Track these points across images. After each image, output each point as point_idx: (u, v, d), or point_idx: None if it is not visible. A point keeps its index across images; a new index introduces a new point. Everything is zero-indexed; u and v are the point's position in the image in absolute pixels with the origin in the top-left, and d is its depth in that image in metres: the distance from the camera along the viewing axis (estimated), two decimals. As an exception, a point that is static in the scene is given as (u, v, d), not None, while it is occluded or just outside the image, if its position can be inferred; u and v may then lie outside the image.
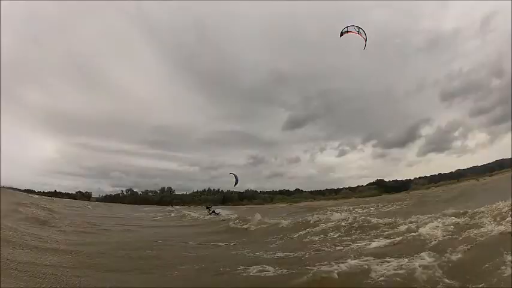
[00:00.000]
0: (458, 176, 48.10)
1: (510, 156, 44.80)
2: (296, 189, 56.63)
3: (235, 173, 24.75)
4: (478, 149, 55.13)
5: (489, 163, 47.23)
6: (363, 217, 8.11)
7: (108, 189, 72.57)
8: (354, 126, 75.74)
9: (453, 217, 5.86)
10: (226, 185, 60.60)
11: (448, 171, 50.88)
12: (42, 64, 74.50)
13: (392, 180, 54.90)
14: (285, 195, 53.65)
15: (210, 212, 21.18)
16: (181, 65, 78.22)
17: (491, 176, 43.81)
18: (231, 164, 63.54)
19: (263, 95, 79.36)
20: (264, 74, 75.17)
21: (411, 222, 6.36)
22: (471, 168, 48.38)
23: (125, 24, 72.24)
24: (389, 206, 19.03)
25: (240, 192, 56.85)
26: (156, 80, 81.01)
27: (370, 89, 75.03)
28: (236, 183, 23.50)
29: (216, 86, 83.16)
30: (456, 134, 63.99)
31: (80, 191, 58.44)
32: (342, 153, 67.24)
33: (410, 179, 52.90)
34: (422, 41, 63.51)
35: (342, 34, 12.14)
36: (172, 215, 23.89)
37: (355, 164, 71.37)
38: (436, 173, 51.86)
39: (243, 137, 75.67)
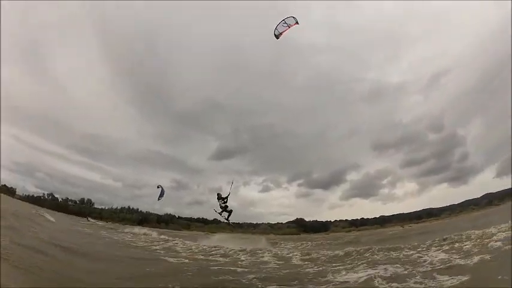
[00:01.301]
0: (382, 221, 50.68)
1: (439, 206, 50.52)
2: (214, 219, 53.16)
3: (162, 186, 21.44)
4: (406, 198, 57.93)
5: (417, 211, 51.25)
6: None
7: (32, 189, 60.11)
8: (281, 163, 75.61)
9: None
10: (146, 205, 56.74)
11: (371, 216, 53.39)
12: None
13: (313, 220, 56.05)
14: (202, 223, 51.48)
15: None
16: (124, 72, 72.80)
17: (417, 223, 47.24)
18: (155, 184, 57.19)
19: (196, 121, 76.81)
20: (200, 100, 72.38)
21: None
22: (397, 215, 51.39)
23: (80, 14, 64.23)
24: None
25: (159, 215, 54.83)
26: (96, 83, 74.27)
27: (303, 129, 76.45)
28: (161, 196, 21.49)
29: (152, 103, 78.10)
30: (384, 182, 65.62)
31: (5, 185, 53.16)
32: (265, 189, 66.22)
33: (330, 221, 54.36)
34: (366, 90, 67.53)
35: (277, 37, 11.41)
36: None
37: (278, 201, 71.29)
38: (359, 217, 54.16)
39: (170, 160, 71.02)
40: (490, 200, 46.79)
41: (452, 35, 61.63)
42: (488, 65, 53.29)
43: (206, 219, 53.61)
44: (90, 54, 74.92)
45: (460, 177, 55.29)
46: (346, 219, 53.15)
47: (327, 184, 67.25)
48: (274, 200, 69.76)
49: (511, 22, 34.99)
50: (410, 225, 46.22)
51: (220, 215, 15.41)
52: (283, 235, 47.34)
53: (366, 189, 62.19)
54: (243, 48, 67.71)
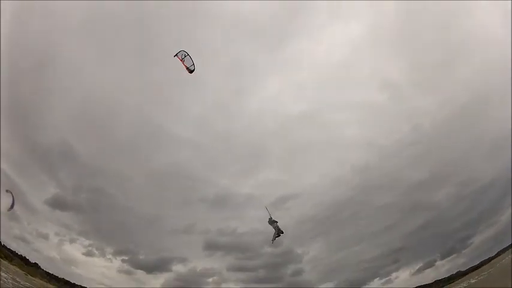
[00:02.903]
0: None
1: None
2: (35, 263, 51.84)
3: (12, 192, 21.02)
4: None
5: None
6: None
7: None
8: (111, 234, 66.72)
9: None
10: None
11: None
12: None
13: None
14: (23, 262, 47.92)
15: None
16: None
17: None
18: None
19: (44, 162, 63.65)
20: (57, 140, 62.58)
21: None
22: None
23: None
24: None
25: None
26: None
27: (143, 210, 66.86)
28: (12, 206, 20.47)
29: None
30: (209, 280, 64.37)
31: None
32: (89, 254, 64.62)
33: None
34: (212, 194, 65.48)
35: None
36: None
37: (99, 270, 65.39)
38: None
39: (11, 185, 48.56)
40: None
41: (308, 167, 63.25)
42: (338, 199, 59.14)
43: (28, 260, 50.57)
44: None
45: None
46: None
47: (151, 268, 64.81)
48: (96, 268, 65.91)
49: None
50: None
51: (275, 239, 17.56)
52: None
53: (190, 283, 62.62)
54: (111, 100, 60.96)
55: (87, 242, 65.82)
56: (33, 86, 57.57)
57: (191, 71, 18.71)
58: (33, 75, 56.63)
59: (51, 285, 46.45)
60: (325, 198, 60.73)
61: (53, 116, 60.87)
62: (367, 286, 55.01)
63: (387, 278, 54.59)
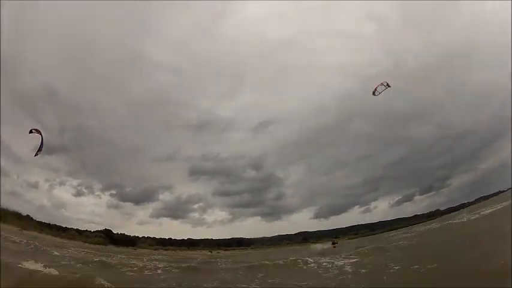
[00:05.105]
0: (189, 244, 56.03)
1: (250, 237, 55.96)
2: (27, 215, 53.96)
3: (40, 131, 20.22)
4: (215, 225, 59.88)
5: (226, 239, 56.52)
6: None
7: None
8: (98, 170, 68.09)
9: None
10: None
11: (179, 238, 57.50)
12: None
13: (121, 234, 59.00)
14: (16, 217, 49.37)
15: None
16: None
17: (225, 250, 54.01)
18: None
19: (27, 109, 60.02)
20: (38, 84, 60.18)
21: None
22: (205, 239, 56.57)
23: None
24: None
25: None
26: None
27: (126, 143, 66.92)
28: (40, 149, 19.90)
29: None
30: (195, 206, 62.85)
31: None
32: (79, 194, 63.84)
33: (138, 237, 58.35)
34: (194, 119, 63.24)
35: None
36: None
37: (89, 208, 65.98)
38: (167, 237, 58.45)
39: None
40: (306, 237, 54.82)
41: (291, 92, 65.18)
42: (320, 125, 59.74)
43: (20, 213, 52.11)
44: None
45: (274, 213, 59.94)
46: (154, 237, 56.76)
47: (139, 199, 64.53)
48: (86, 207, 66.42)
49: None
50: (219, 251, 52.42)
51: None
52: (91, 244, 52.13)
53: (177, 211, 62.43)
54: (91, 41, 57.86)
55: (75, 182, 67.27)
56: (9, 33, 53.27)
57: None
58: (8, 22, 52.30)
59: (45, 235, 48.42)
60: (307, 124, 61.36)
61: (32, 60, 58.99)
62: (347, 213, 56.44)
63: (366, 207, 56.24)
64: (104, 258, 25.25)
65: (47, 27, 56.54)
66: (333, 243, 43.00)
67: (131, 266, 21.78)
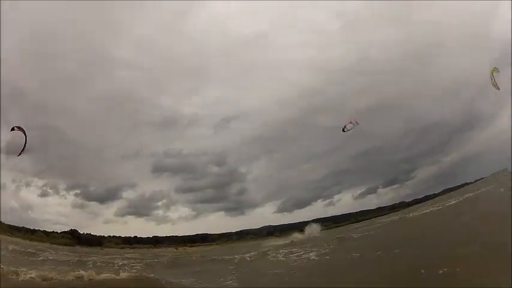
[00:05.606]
0: (155, 241, 55.94)
1: (215, 233, 57.11)
2: None
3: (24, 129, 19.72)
4: (179, 221, 60.16)
5: (191, 235, 57.12)
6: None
7: None
8: (62, 170, 64.19)
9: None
10: None
11: (145, 236, 57.26)
12: None
13: (87, 233, 58.36)
14: None
15: None
16: None
17: (191, 246, 54.69)
18: None
19: None
20: (5, 83, 52.20)
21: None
22: (171, 237, 56.18)
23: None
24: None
25: None
26: None
27: (89, 142, 64.09)
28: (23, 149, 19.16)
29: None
30: (159, 204, 62.64)
31: None
32: (44, 194, 62.16)
33: (104, 236, 57.63)
34: (157, 115, 62.06)
35: None
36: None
37: (54, 209, 64.84)
38: (132, 236, 57.71)
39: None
40: (271, 231, 58.63)
41: (254, 88, 63.68)
42: (283, 120, 60.82)
43: None
44: None
45: (237, 208, 61.65)
46: (119, 236, 56.06)
47: (103, 198, 63.04)
48: (51, 207, 65.00)
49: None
50: (185, 248, 53.89)
51: None
52: (59, 245, 51.43)
53: (141, 209, 61.96)
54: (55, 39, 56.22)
55: (41, 182, 65.37)
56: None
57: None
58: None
59: (15, 238, 47.63)
60: (270, 119, 62.22)
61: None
62: (310, 206, 58.40)
63: (330, 200, 57.71)
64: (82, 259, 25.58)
65: (11, 26, 53.08)
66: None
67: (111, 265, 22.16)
